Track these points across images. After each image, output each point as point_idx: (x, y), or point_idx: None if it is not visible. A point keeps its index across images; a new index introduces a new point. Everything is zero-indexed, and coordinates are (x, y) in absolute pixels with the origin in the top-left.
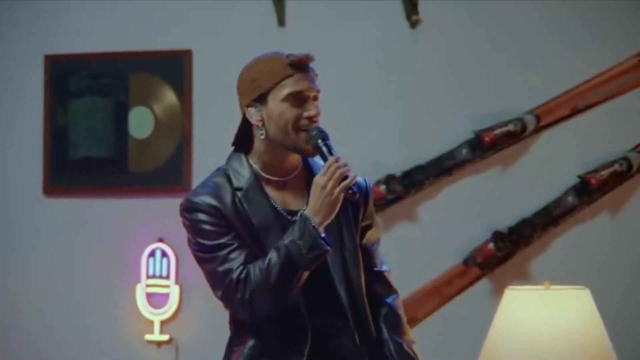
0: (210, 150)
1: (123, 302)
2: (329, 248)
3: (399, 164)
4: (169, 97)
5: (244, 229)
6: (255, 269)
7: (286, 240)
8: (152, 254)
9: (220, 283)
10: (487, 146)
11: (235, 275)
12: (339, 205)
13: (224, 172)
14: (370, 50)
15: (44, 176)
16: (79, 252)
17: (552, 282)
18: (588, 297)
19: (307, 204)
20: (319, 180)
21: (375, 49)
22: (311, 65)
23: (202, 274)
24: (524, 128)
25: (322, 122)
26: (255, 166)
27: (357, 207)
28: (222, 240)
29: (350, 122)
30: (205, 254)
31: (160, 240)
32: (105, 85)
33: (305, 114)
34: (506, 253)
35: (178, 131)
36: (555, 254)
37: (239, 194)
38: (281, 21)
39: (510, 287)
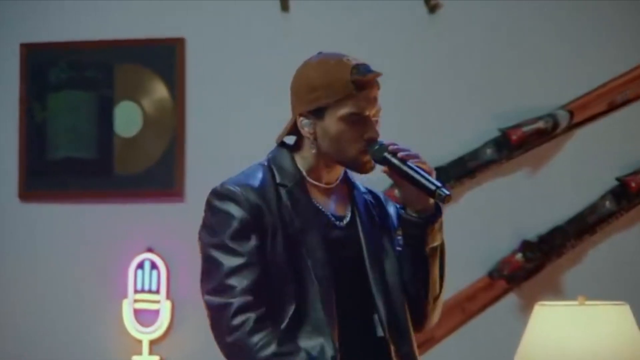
0: (205, 150)
1: (108, 320)
2: None
3: None
4: (159, 90)
5: (283, 230)
6: (257, 336)
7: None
8: (141, 265)
9: (219, 295)
10: (514, 145)
11: (234, 308)
12: None
13: (267, 167)
14: (383, 37)
15: (19, 179)
16: (58, 263)
17: (587, 297)
18: (627, 314)
19: (351, 212)
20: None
21: (389, 36)
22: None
23: (197, 285)
24: (555, 125)
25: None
26: (301, 169)
27: (392, 217)
28: (240, 248)
29: None
30: (216, 253)
31: (150, 250)
32: (88, 78)
33: (366, 136)
34: (536, 265)
35: (169, 129)
36: (590, 266)
37: (283, 190)
38: (285, 6)
39: (541, 302)
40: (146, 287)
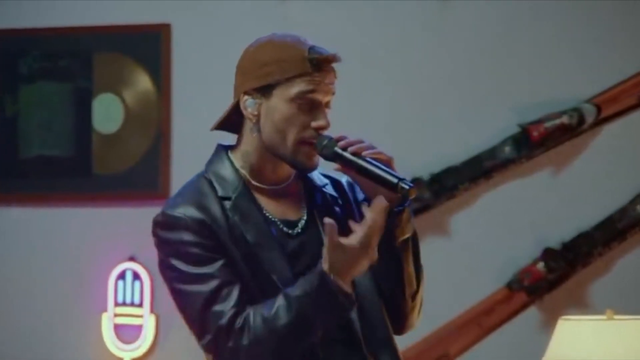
0: (193, 148)
1: (86, 335)
2: (354, 304)
3: (426, 164)
4: (143, 82)
5: (237, 247)
6: (257, 317)
7: (297, 290)
8: (122, 275)
9: (207, 328)
10: (535, 143)
11: (227, 319)
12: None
13: (204, 179)
14: (389, 27)
15: None
16: (29, 273)
17: (615, 311)
18: None
19: (307, 214)
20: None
21: (396, 25)
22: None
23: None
24: (581, 120)
25: (332, 118)
26: (243, 171)
27: (358, 203)
28: (209, 270)
29: (366, 114)
30: (187, 286)
31: (132, 259)
32: (64, 68)
33: (314, 124)
34: (559, 275)
35: (153, 124)
36: (619, 276)
37: (227, 204)
38: None
39: (565, 317)
40: (128, 300)
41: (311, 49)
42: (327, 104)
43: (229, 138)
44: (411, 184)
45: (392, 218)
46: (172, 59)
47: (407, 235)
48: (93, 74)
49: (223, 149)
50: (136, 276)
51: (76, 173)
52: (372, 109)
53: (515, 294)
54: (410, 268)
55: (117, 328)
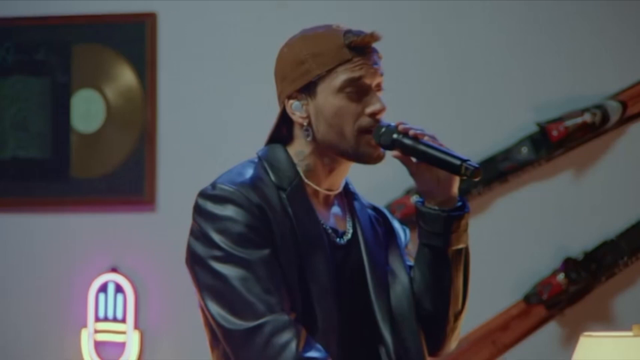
0: (181, 149)
1: (63, 354)
2: None
3: None
4: (126, 76)
5: (289, 242)
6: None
7: None
8: (103, 288)
9: (249, 314)
10: (554, 143)
11: (269, 324)
12: None
13: (260, 165)
14: (396, 22)
15: None
16: (4, 285)
17: None
18: None
19: (352, 227)
20: None
21: (403, 20)
22: (374, 45)
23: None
24: (604, 119)
25: None
26: (298, 168)
27: (399, 234)
28: (255, 255)
29: None
30: (225, 266)
31: (114, 270)
32: (40, 62)
33: (368, 110)
34: (581, 287)
35: (138, 123)
36: None
37: (283, 194)
38: None
39: (587, 333)
40: (110, 315)
41: (346, 33)
42: (377, 87)
43: (213, 139)
44: (477, 165)
45: (450, 221)
46: (158, 51)
47: (461, 246)
48: (71, 68)
49: (279, 143)
50: (119, 289)
51: (53, 176)
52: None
53: (533, 308)
54: (459, 283)
55: (98, 346)
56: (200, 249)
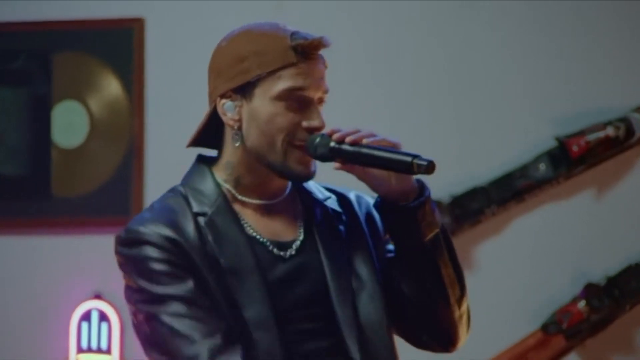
0: (170, 165)
1: None
2: None
3: (447, 184)
4: (111, 86)
5: (211, 272)
6: None
7: None
8: (86, 316)
9: (174, 350)
10: (575, 159)
11: (204, 353)
12: None
13: (179, 193)
14: (403, 24)
15: None
16: None
17: None
18: None
19: (304, 233)
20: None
21: (408, 27)
22: (321, 52)
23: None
24: (629, 133)
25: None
26: (226, 185)
27: (372, 220)
28: (178, 290)
29: (375, 126)
30: (154, 307)
31: (98, 297)
32: (18, 71)
33: (305, 124)
34: (604, 316)
35: (124, 137)
36: None
37: (202, 220)
38: None
39: None
40: (93, 346)
41: (294, 35)
42: (319, 100)
43: (213, 151)
44: (429, 159)
45: (413, 213)
46: (146, 59)
47: (435, 230)
48: (52, 78)
49: (203, 161)
50: (103, 317)
51: (32, 195)
52: (381, 121)
53: (552, 338)
54: (449, 270)
55: None
56: (130, 294)
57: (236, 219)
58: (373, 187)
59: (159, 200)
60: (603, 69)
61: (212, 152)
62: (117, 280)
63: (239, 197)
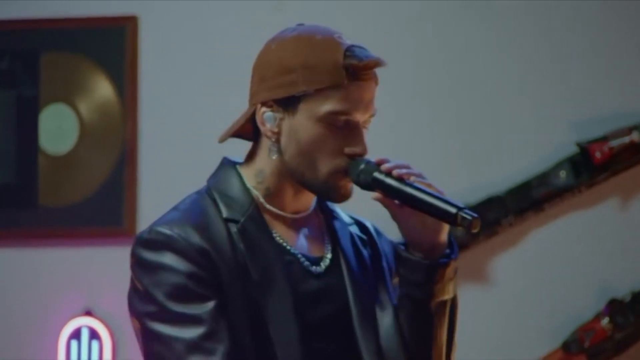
0: (165, 173)
1: None
2: None
3: (461, 193)
4: (103, 88)
5: (237, 283)
6: None
7: None
8: (76, 334)
9: None
10: (598, 166)
11: None
12: None
13: (207, 197)
14: (410, 25)
15: None
16: None
17: None
18: None
19: (332, 251)
20: None
21: (417, 28)
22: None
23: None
24: None
25: None
26: (256, 192)
27: (387, 256)
28: (197, 311)
29: (385, 132)
30: (164, 327)
31: (88, 313)
32: (3, 72)
33: (348, 150)
34: (629, 333)
35: (116, 142)
36: None
37: (233, 228)
38: None
39: None
40: None
41: (348, 51)
42: (365, 124)
43: (203, 160)
44: (475, 214)
45: (433, 270)
46: (140, 60)
47: (446, 297)
48: (40, 80)
49: (231, 164)
50: (94, 335)
51: (18, 204)
52: (392, 127)
53: (574, 358)
54: (442, 338)
55: None
56: (137, 303)
57: (267, 228)
58: (405, 229)
59: (186, 202)
60: (628, 69)
61: (235, 153)
62: (108, 296)
63: (267, 206)
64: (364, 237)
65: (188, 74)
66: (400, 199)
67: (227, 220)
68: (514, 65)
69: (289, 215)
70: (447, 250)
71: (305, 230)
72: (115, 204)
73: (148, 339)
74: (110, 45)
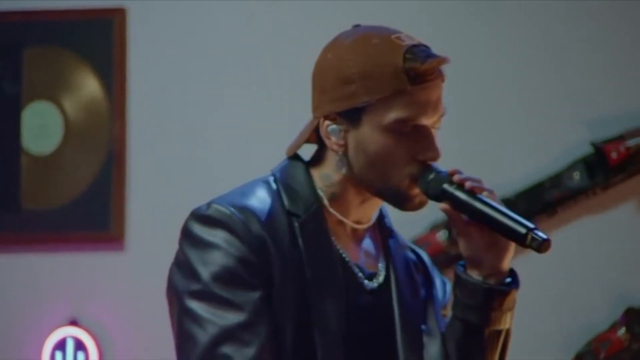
0: (156, 173)
1: None
2: None
3: None
4: (89, 85)
5: (291, 282)
6: None
7: None
8: (61, 345)
9: None
10: (614, 167)
11: None
12: None
13: (272, 186)
14: (415, 21)
15: None
16: None
17: None
18: None
19: (385, 269)
20: None
21: (422, 19)
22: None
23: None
24: None
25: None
26: (321, 193)
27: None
28: (240, 298)
29: None
30: (203, 307)
31: (73, 323)
32: None
33: (420, 157)
34: None
35: (103, 142)
36: None
37: (295, 222)
38: None
39: None
40: None
41: (408, 53)
42: (435, 123)
43: (196, 161)
44: (545, 236)
45: (492, 296)
46: (128, 55)
47: (501, 327)
48: (22, 76)
49: (300, 161)
50: (79, 346)
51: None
52: None
53: None
54: None
55: None
56: (179, 279)
57: (327, 231)
58: (468, 247)
59: (249, 185)
60: None
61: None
62: (95, 304)
63: (331, 210)
64: (418, 262)
65: (179, 70)
66: (469, 213)
67: (289, 213)
68: (525, 61)
69: (351, 224)
70: (509, 279)
71: (363, 242)
72: (102, 207)
73: (183, 316)
74: (97, 39)
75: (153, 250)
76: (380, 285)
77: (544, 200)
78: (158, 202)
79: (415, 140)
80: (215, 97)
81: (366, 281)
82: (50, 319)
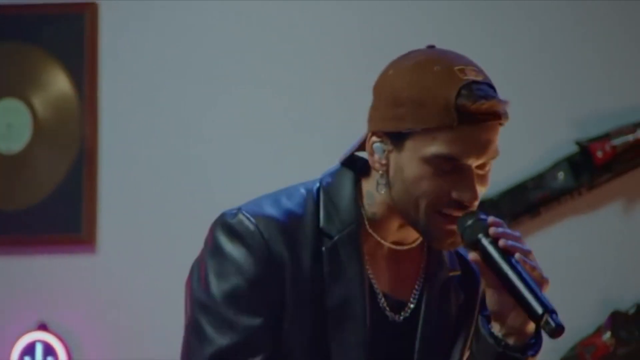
0: (128, 174)
1: None
2: None
3: None
4: (59, 82)
5: (309, 305)
6: None
7: None
8: (30, 350)
9: None
10: (599, 166)
11: None
12: None
13: (313, 197)
14: (406, 23)
15: None
16: None
17: None
18: None
19: (419, 295)
20: None
21: (409, 25)
22: (501, 110)
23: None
24: None
25: (335, 133)
26: (363, 212)
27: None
28: (244, 322)
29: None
30: (207, 321)
31: (42, 327)
32: None
33: (455, 195)
34: (633, 349)
35: (74, 140)
36: None
37: (325, 242)
38: None
39: None
40: None
41: (464, 89)
42: (481, 167)
43: (171, 160)
44: (561, 323)
45: (509, 356)
46: (100, 51)
47: None
48: None
49: (350, 171)
50: (49, 351)
51: None
52: None
53: None
54: None
55: None
56: (195, 281)
57: (360, 256)
58: (494, 302)
59: (290, 191)
60: (631, 62)
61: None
62: (65, 308)
63: (369, 230)
64: (463, 284)
65: (152, 67)
66: (495, 272)
67: (321, 232)
68: (508, 59)
69: (389, 245)
70: (532, 340)
71: (400, 266)
72: (72, 209)
73: (190, 325)
74: (67, 34)
75: (125, 253)
76: (405, 319)
77: (527, 200)
78: (131, 203)
79: (453, 178)
80: (190, 94)
81: (390, 313)
82: (18, 323)
